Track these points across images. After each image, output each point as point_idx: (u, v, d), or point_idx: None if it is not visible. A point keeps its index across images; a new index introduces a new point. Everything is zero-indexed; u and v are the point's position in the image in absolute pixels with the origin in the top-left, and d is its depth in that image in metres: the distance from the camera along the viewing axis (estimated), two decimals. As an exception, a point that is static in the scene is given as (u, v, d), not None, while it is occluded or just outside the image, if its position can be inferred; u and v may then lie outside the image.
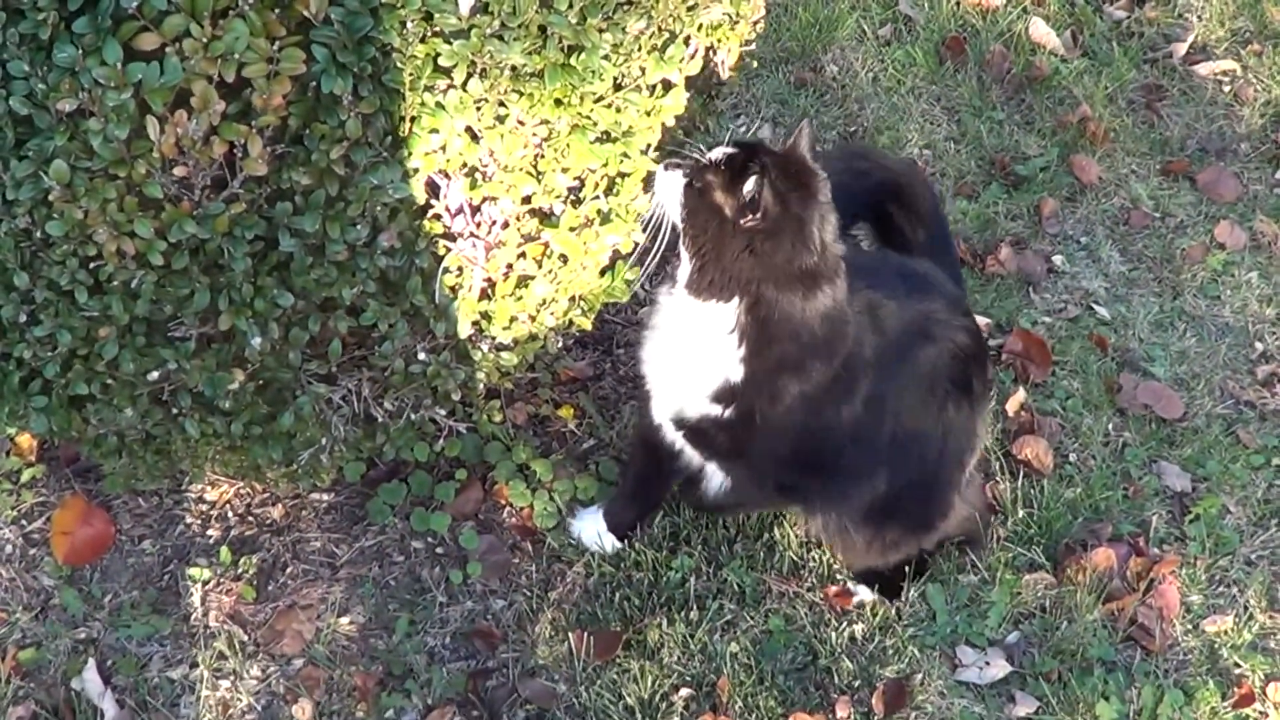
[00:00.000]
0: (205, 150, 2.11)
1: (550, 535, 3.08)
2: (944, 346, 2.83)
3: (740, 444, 2.75)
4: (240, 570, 3.02)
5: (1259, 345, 3.58)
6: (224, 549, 3.04)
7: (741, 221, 2.49)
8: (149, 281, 2.25)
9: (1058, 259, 3.75)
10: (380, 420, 2.71)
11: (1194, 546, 3.14)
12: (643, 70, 2.50)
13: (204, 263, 2.27)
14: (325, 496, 3.16)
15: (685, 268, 2.61)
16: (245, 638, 2.92)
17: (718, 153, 2.58)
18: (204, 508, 3.13)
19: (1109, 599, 3.03)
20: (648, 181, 2.61)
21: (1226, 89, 4.23)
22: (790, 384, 2.63)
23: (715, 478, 2.88)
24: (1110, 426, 3.37)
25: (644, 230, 2.65)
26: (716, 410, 2.69)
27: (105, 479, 3.06)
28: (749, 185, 2.46)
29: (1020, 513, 3.16)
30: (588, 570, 3.03)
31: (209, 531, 3.09)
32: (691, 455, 2.86)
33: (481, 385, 2.75)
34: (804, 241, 2.51)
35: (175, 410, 2.53)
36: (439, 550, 3.09)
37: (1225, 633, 3.00)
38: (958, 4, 4.36)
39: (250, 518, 3.12)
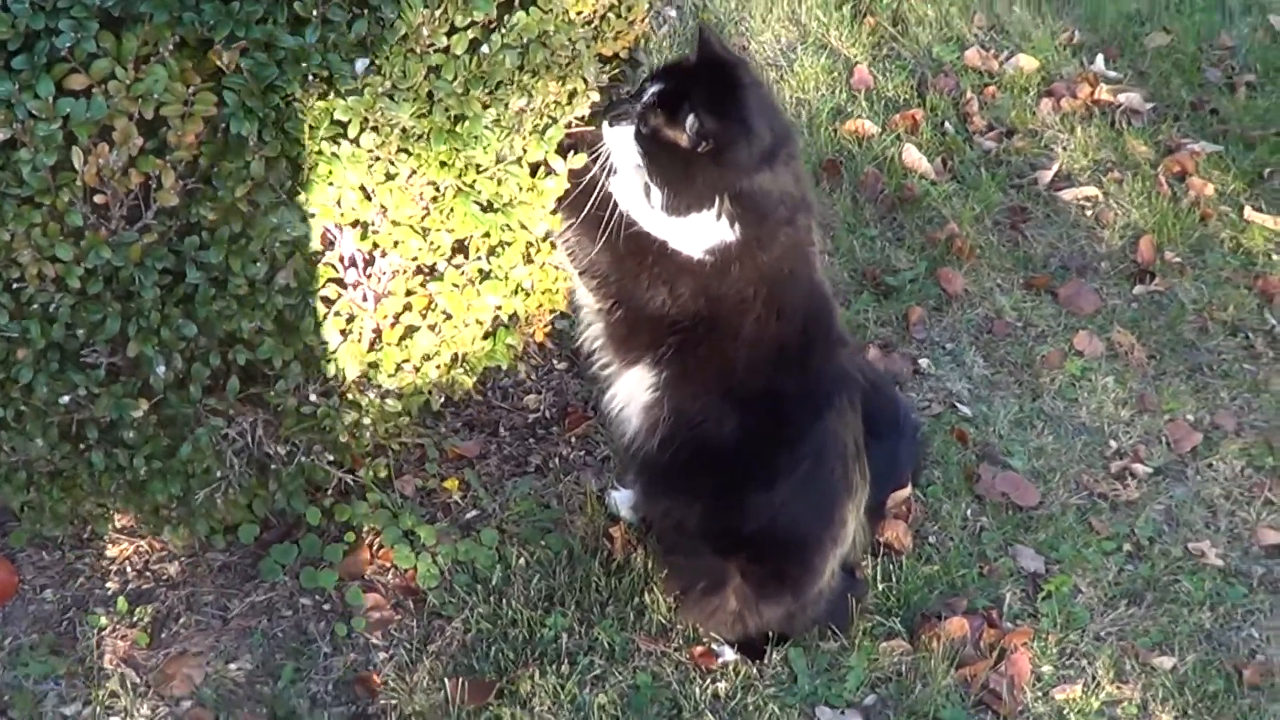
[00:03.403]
0: (124, 180, 2.32)
1: (432, 594, 3.24)
2: (858, 425, 3.08)
3: (710, 302, 2.89)
4: (136, 619, 3.15)
5: (1113, 443, 3.80)
6: (121, 599, 3.17)
7: (698, 150, 2.71)
8: (66, 305, 2.44)
9: (924, 362, 3.99)
10: (273, 467, 2.89)
11: (1046, 622, 3.31)
12: (525, 150, 2.74)
13: (117, 291, 2.47)
14: (220, 556, 3.30)
15: (658, 196, 2.79)
16: (137, 679, 3.04)
17: (649, 94, 2.78)
18: (104, 563, 3.26)
19: (962, 665, 3.19)
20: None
21: (1089, 213, 4.53)
22: (781, 233, 2.85)
23: (633, 419, 3.05)
24: (969, 512, 3.57)
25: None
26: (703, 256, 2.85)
27: (11, 535, 3.24)
28: (690, 123, 2.69)
29: (880, 586, 3.34)
30: (465, 626, 3.19)
31: (108, 584, 3.22)
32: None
33: (368, 435, 2.94)
34: (753, 134, 2.73)
35: (82, 445, 2.71)
36: (325, 606, 3.23)
37: (1073, 700, 3.16)
38: (835, 131, 4.66)
39: (148, 573, 3.26)
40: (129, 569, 3.26)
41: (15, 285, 2.42)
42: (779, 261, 2.88)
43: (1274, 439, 3.83)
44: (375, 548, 3.33)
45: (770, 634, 3.20)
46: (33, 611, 3.16)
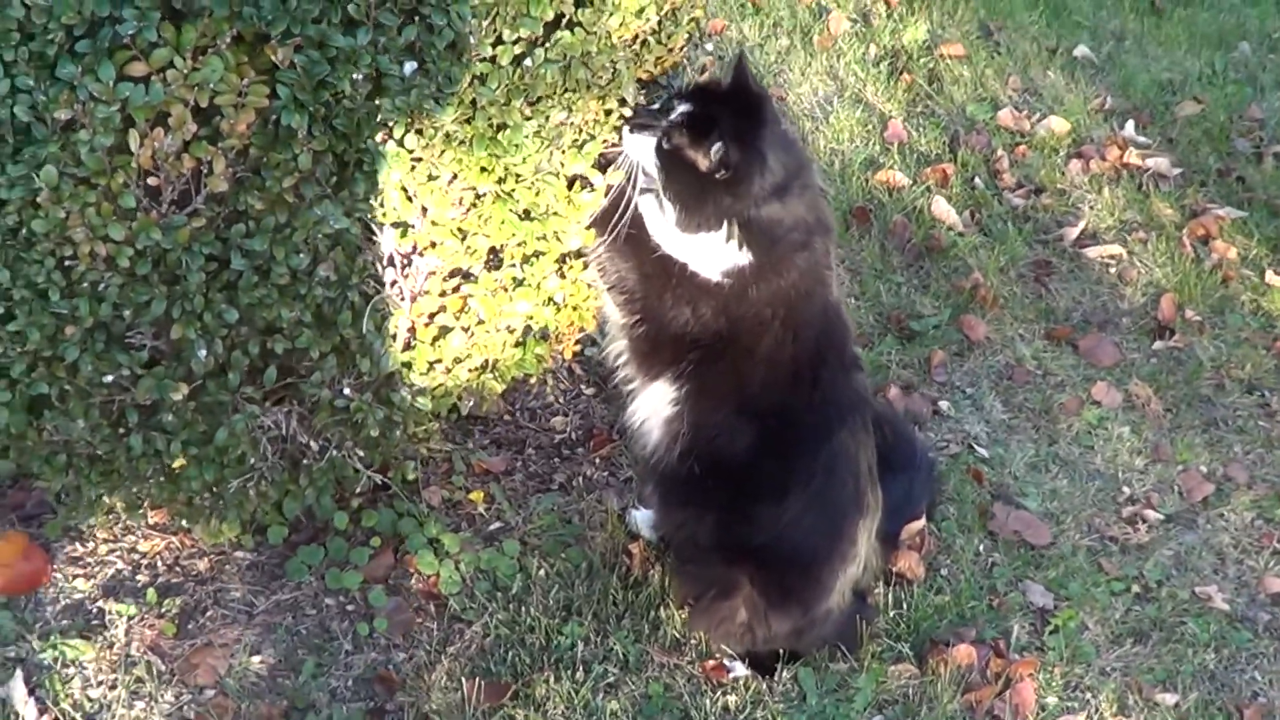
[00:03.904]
0: (177, 164, 2.45)
1: (453, 599, 3.32)
2: (871, 448, 3.17)
3: (730, 322, 2.99)
4: (164, 610, 3.24)
5: (1126, 489, 3.87)
6: (151, 591, 3.26)
7: (716, 176, 2.83)
8: (114, 285, 2.55)
9: (944, 404, 4.07)
10: (305, 461, 2.99)
11: (1052, 655, 3.37)
12: (563, 164, 2.86)
13: (164, 274, 2.58)
14: (248, 555, 3.39)
15: (670, 212, 2.91)
16: (163, 667, 3.12)
17: (678, 113, 2.88)
18: (136, 556, 3.36)
19: (968, 691, 3.25)
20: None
21: (1112, 270, 4.62)
22: (797, 257, 2.97)
23: (654, 432, 3.15)
24: (981, 547, 3.64)
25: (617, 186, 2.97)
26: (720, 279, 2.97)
27: (46, 526, 3.35)
28: (716, 149, 2.81)
29: (891, 613, 3.41)
30: (484, 631, 3.27)
31: (138, 577, 3.32)
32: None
33: (398, 434, 3.03)
34: (768, 168, 2.86)
35: (122, 430, 2.82)
36: (349, 607, 3.32)
37: (1077, 731, 3.23)
38: (866, 181, 4.78)
39: (178, 568, 3.35)
40: (159, 563, 3.36)
41: (67, 263, 2.53)
42: (797, 284, 2.99)
43: (1286, 492, 3.90)
44: (400, 553, 3.42)
45: (780, 651, 3.27)
46: (64, 599, 3.25)
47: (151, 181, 2.47)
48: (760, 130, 2.89)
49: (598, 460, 3.74)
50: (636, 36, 2.92)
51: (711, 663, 3.27)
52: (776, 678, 3.26)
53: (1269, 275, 4.63)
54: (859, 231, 4.58)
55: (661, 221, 2.95)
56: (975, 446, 3.95)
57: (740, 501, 3.12)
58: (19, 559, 3.30)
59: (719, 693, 3.21)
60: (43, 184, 2.43)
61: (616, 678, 3.21)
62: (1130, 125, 5.22)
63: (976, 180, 4.88)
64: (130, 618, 3.22)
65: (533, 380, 3.28)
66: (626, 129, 2.93)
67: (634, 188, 2.94)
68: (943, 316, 4.34)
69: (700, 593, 3.25)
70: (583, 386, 3.94)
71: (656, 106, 2.96)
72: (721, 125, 2.84)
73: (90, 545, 3.38)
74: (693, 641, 3.31)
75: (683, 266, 2.97)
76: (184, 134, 2.43)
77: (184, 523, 3.27)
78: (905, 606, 3.43)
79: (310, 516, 3.39)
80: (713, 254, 2.93)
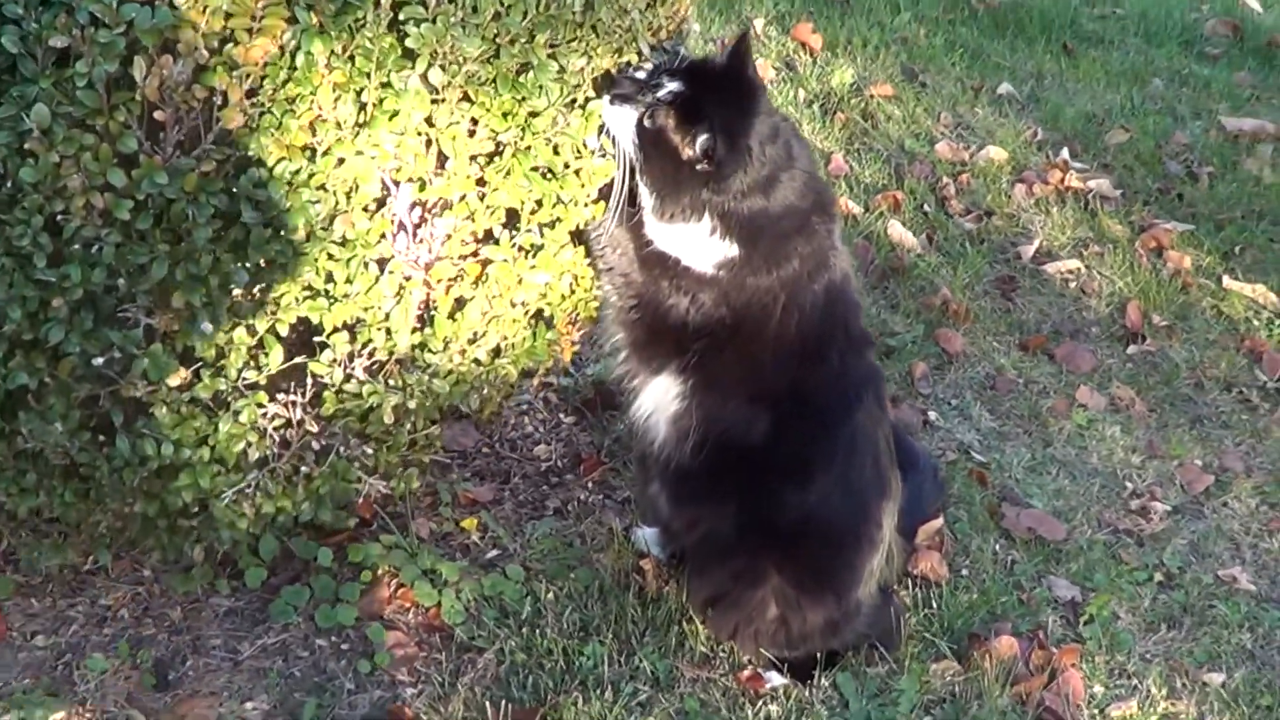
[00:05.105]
0: (187, 95, 2.21)
1: (459, 629, 3.06)
2: (887, 425, 3.03)
3: (733, 311, 2.81)
4: (139, 661, 2.93)
5: (1129, 484, 3.78)
6: (122, 643, 2.96)
7: (697, 166, 2.64)
8: (111, 244, 2.29)
9: (932, 414, 3.94)
10: (303, 469, 2.73)
11: (1091, 644, 3.23)
12: (584, 122, 2.69)
13: (166, 231, 2.33)
14: (224, 601, 3.10)
15: (647, 198, 2.72)
16: (145, 720, 2.82)
17: (666, 90, 2.67)
18: (99, 610, 3.05)
19: (1015, 683, 3.07)
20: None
21: (1073, 284, 4.58)
22: (793, 243, 2.78)
23: (661, 427, 2.94)
24: (998, 546, 3.49)
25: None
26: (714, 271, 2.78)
27: None
28: (703, 139, 2.62)
29: (922, 613, 3.22)
30: (499, 658, 3.00)
31: (105, 630, 3.00)
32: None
33: (407, 428, 2.79)
34: (753, 163, 2.68)
35: (104, 438, 2.54)
36: (344, 646, 3.03)
37: (1131, 716, 3.06)
38: (821, 212, 4.68)
39: (148, 619, 3.05)
40: (126, 615, 3.05)
41: (60, 219, 2.27)
42: (798, 270, 2.83)
43: (1285, 478, 3.85)
44: (394, 588, 3.14)
45: (818, 655, 3.05)
46: (23, 658, 2.92)
47: (157, 116, 2.23)
48: (751, 122, 2.72)
49: (590, 484, 3.52)
50: (648, -14, 2.77)
51: (747, 673, 3.04)
52: (815, 683, 3.03)
53: (1226, 280, 4.63)
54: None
55: (648, 214, 2.78)
56: (971, 453, 3.81)
57: (761, 490, 2.93)
58: (-33, 620, 2.98)
59: (759, 704, 2.97)
60: (33, 125, 2.18)
61: (648, 696, 2.96)
62: (1064, 153, 5.22)
63: (926, 206, 4.81)
64: (102, 672, 2.90)
65: (526, 394, 3.05)
66: (606, 99, 2.72)
67: (628, 173, 2.76)
68: (917, 332, 4.23)
69: (724, 590, 3.01)
70: (561, 415, 3.74)
71: (642, 76, 2.76)
72: (712, 114, 2.67)
73: (47, 602, 3.06)
74: (723, 654, 3.08)
75: (676, 260, 2.79)
76: (195, 59, 2.20)
77: (157, 556, 2.97)
78: (935, 605, 3.25)
79: (289, 558, 3.12)
80: (699, 246, 2.76)
